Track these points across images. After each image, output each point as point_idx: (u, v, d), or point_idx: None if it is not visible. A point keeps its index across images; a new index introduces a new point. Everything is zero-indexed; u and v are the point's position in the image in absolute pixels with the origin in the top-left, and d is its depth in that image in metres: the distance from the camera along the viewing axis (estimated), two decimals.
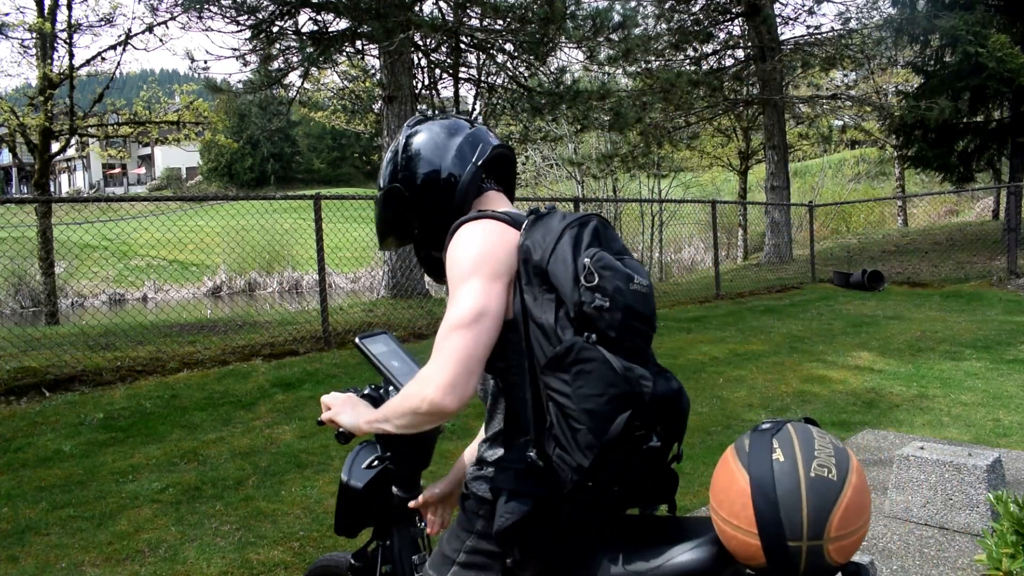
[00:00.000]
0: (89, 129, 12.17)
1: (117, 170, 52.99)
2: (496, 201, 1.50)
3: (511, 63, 11.35)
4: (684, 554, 1.22)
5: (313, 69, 10.78)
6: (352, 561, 1.81)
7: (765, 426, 1.22)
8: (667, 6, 15.52)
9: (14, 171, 39.38)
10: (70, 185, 54.02)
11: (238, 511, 3.62)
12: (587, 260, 1.24)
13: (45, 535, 3.39)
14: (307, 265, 17.40)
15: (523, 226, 1.33)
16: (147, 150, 48.63)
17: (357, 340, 1.74)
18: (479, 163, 1.47)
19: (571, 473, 1.22)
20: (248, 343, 6.66)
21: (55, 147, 11.29)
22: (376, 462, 1.68)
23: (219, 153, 46.69)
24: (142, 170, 55.05)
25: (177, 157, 48.89)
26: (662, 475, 1.33)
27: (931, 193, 15.56)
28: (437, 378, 1.24)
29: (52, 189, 19.16)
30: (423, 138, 1.51)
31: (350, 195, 10.17)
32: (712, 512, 1.22)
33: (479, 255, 1.30)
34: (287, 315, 8.66)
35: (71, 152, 13.49)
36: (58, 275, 12.30)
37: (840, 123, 18.89)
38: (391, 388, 1.67)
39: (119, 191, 49.35)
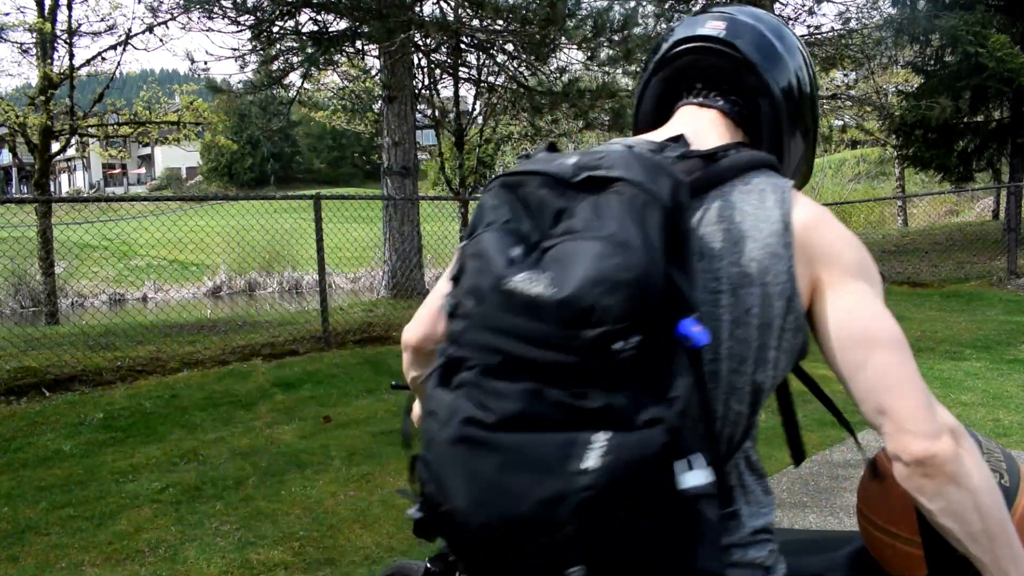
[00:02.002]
0: (89, 129, 12.16)
1: (117, 170, 53.04)
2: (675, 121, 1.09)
3: (511, 63, 11.35)
4: (825, 565, 1.13)
5: (313, 69, 10.78)
6: (428, 566, 1.62)
7: None
8: (667, 6, 15.51)
9: (14, 171, 39.39)
10: (70, 185, 54.02)
11: (238, 511, 3.62)
12: (463, 243, 0.92)
13: (45, 535, 3.39)
14: (307, 265, 17.39)
15: None
16: (147, 150, 48.64)
17: None
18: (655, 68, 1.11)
19: None
20: (248, 343, 6.66)
21: (55, 147, 11.29)
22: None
23: (219, 153, 46.66)
24: (142, 170, 55.07)
25: (177, 157, 48.91)
26: None
27: (931, 193, 15.57)
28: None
29: (52, 189, 19.17)
30: None
31: (350, 195, 10.18)
32: (862, 519, 1.12)
33: None
34: (287, 315, 8.66)
35: (71, 152, 13.49)
36: (58, 275, 12.30)
37: (840, 123, 18.91)
38: None
39: (119, 191, 49.35)
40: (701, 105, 1.08)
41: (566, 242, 0.83)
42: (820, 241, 0.97)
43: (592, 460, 0.77)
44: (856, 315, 0.95)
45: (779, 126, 1.08)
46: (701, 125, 1.06)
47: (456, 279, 0.89)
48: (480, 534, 0.83)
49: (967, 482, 0.88)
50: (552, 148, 0.97)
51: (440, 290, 1.07)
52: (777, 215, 0.96)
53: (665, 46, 1.10)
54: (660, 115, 1.13)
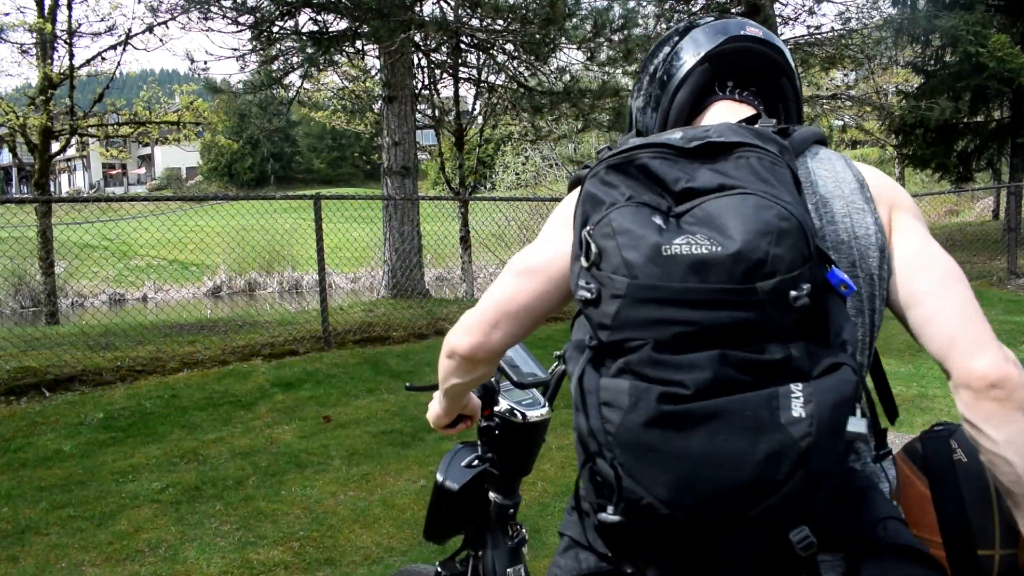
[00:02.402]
0: (89, 129, 12.16)
1: (117, 170, 53.02)
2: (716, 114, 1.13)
3: (511, 63, 11.35)
4: None
5: (313, 69, 10.78)
6: (439, 570, 1.68)
7: (937, 428, 1.11)
8: (667, 6, 15.51)
9: (14, 171, 39.39)
10: (70, 185, 54.01)
11: (238, 511, 3.62)
12: (588, 228, 0.87)
13: (45, 535, 3.39)
14: (307, 265, 17.39)
15: None
16: (147, 150, 48.65)
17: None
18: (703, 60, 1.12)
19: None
20: (248, 343, 6.66)
21: (55, 147, 11.28)
22: (476, 462, 1.53)
23: (219, 153, 46.68)
24: (142, 170, 55.06)
25: (177, 157, 48.92)
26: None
27: (931, 193, 15.58)
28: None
29: (52, 189, 19.17)
30: None
31: (350, 195, 10.18)
32: None
33: None
34: (287, 315, 8.65)
35: (71, 152, 13.50)
36: (58, 275, 12.30)
37: (840, 123, 18.90)
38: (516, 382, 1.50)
39: (119, 191, 49.34)
40: (739, 101, 1.13)
41: (709, 202, 0.82)
42: (891, 191, 1.05)
43: (799, 409, 0.77)
44: (929, 248, 1.01)
45: (799, 104, 1.18)
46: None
47: (594, 265, 0.84)
48: (690, 518, 0.80)
49: None
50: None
51: (497, 296, 1.06)
52: (851, 176, 1.04)
53: (709, 39, 1.13)
54: (694, 107, 1.15)
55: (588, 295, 0.84)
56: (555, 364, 1.50)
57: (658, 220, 0.83)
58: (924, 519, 1.03)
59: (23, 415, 4.90)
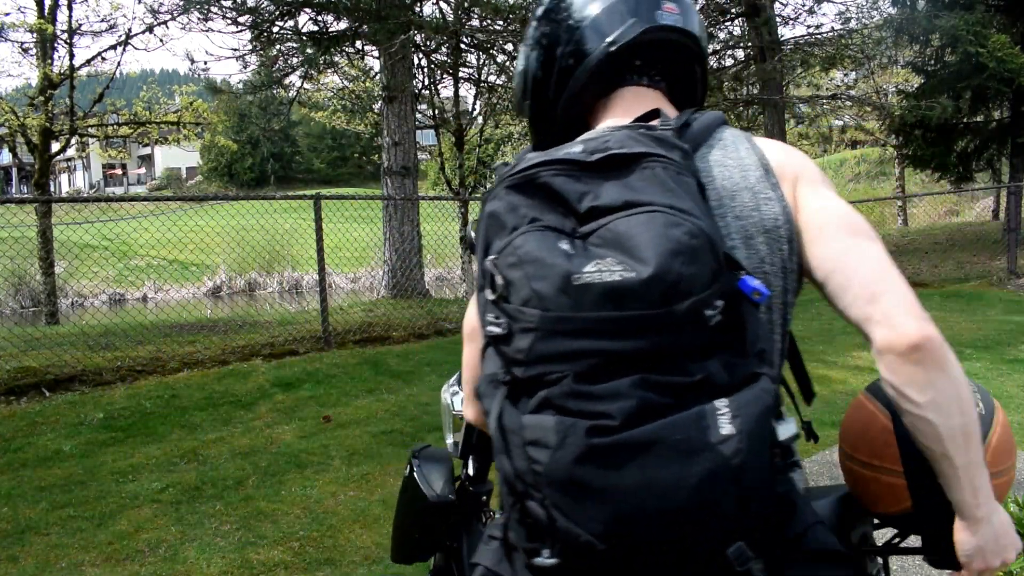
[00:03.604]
0: (89, 129, 12.17)
1: (117, 170, 53.02)
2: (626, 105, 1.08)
3: (511, 63, 11.36)
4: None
5: (313, 70, 10.78)
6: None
7: None
8: None
9: (14, 171, 39.39)
10: (70, 185, 54.03)
11: (238, 511, 3.62)
12: (492, 257, 0.83)
13: (45, 535, 3.39)
14: (307, 265, 17.39)
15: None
16: (147, 150, 48.66)
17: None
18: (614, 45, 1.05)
19: None
20: (248, 343, 6.66)
21: (55, 147, 11.29)
22: (464, 472, 1.55)
23: (219, 153, 46.69)
24: (142, 170, 55.07)
25: (177, 157, 48.94)
26: None
27: (931, 193, 15.58)
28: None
29: (52, 189, 19.17)
30: None
31: (350, 195, 10.17)
32: (845, 460, 1.15)
33: None
34: (287, 315, 8.66)
35: (71, 152, 13.49)
36: (58, 275, 12.30)
37: (840, 123, 18.90)
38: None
39: (119, 191, 49.36)
40: (648, 86, 1.10)
41: (616, 221, 0.80)
42: (793, 167, 1.02)
43: (728, 426, 0.76)
44: (837, 209, 0.98)
45: (705, 85, 1.14)
46: (652, 104, 1.07)
47: (501, 297, 0.81)
48: (629, 551, 0.77)
49: (953, 371, 0.88)
50: (535, 149, 0.95)
51: (464, 363, 1.06)
52: (755, 160, 1.01)
53: (624, 31, 1.05)
54: (600, 90, 1.10)
55: (498, 330, 0.80)
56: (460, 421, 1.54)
57: (565, 245, 0.80)
58: (887, 451, 1.06)
59: (23, 415, 4.90)
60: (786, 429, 0.80)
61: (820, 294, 0.98)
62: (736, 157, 1.01)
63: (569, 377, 0.77)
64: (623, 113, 1.06)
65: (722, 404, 0.76)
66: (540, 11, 1.14)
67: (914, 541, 1.16)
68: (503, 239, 0.83)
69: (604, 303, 0.76)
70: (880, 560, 1.21)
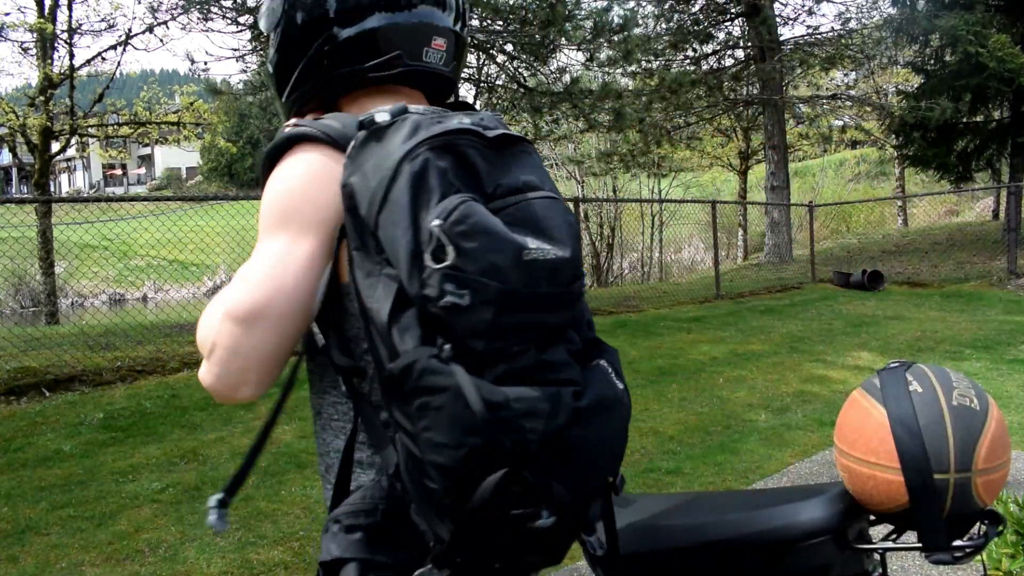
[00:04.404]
0: (89, 129, 12.18)
1: (117, 170, 53.02)
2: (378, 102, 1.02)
3: (511, 64, 11.36)
4: (807, 511, 1.14)
5: None
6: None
7: (893, 365, 1.16)
8: (667, 6, 15.53)
9: (14, 171, 39.39)
10: (70, 185, 54.04)
11: (238, 511, 3.62)
12: (437, 222, 0.78)
13: (45, 535, 3.39)
14: None
15: (348, 149, 0.87)
16: (147, 150, 48.64)
17: None
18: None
19: (432, 539, 0.83)
20: None
21: (55, 147, 11.30)
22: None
23: (219, 153, 46.64)
24: (142, 170, 55.08)
25: (177, 157, 48.91)
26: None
27: (931, 193, 15.56)
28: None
29: (52, 189, 19.17)
30: None
31: None
32: (841, 456, 1.16)
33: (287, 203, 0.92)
34: None
35: (71, 152, 13.52)
36: (58, 275, 12.31)
37: (840, 123, 18.90)
38: None
39: (119, 191, 49.36)
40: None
41: (525, 203, 0.85)
42: None
43: (618, 381, 0.89)
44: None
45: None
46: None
47: (455, 268, 0.77)
48: (585, 497, 0.86)
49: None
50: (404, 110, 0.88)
51: (263, 344, 0.94)
52: None
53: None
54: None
55: (460, 301, 0.76)
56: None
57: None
58: (883, 447, 1.08)
59: (23, 415, 4.90)
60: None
61: None
62: None
63: (532, 349, 0.81)
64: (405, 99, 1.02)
65: (604, 364, 0.89)
66: None
67: (912, 539, 1.16)
68: (445, 205, 0.79)
69: (545, 280, 0.82)
70: (877, 557, 1.22)
